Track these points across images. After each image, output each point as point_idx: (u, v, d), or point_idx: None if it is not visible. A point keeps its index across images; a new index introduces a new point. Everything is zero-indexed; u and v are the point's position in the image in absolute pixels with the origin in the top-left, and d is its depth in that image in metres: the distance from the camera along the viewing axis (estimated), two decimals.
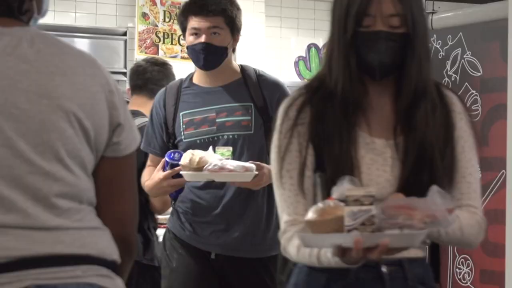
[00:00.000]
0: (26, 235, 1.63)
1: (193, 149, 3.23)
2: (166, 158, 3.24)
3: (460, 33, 3.92)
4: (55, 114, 1.66)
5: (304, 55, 8.54)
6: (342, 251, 1.89)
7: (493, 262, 3.67)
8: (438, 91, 2.17)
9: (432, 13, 4.45)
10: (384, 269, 2.09)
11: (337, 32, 2.10)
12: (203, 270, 3.34)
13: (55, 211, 1.66)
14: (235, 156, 3.25)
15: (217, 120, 3.31)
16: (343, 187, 1.92)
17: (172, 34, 7.05)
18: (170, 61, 4.50)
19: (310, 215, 1.92)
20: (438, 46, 4.11)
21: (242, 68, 3.42)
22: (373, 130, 2.12)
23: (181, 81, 3.44)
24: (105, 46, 7.36)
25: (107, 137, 1.75)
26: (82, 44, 6.96)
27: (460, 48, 3.92)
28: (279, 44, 8.19)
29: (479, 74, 3.82)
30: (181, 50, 7.03)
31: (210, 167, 3.10)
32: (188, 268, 3.35)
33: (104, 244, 1.73)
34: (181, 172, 3.17)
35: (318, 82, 2.15)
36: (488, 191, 3.67)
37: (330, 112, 2.10)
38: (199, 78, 3.40)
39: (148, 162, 3.45)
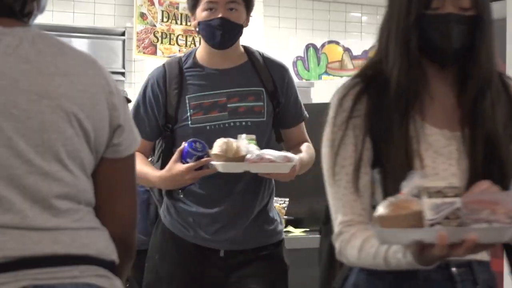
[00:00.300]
0: (24, 235, 1.62)
1: (201, 135, 3.02)
2: (189, 148, 2.96)
3: None
4: (55, 115, 1.66)
5: (302, 55, 8.55)
6: (421, 249, 1.73)
7: (492, 262, 3.66)
8: (501, 81, 2.04)
9: None
10: (454, 270, 1.95)
11: (397, 14, 1.95)
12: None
13: (54, 212, 1.66)
14: None
15: (229, 105, 3.09)
16: (414, 181, 1.75)
17: (170, 34, 7.04)
18: None
19: (382, 210, 1.74)
20: None
21: (247, 49, 3.21)
22: (435, 121, 1.97)
23: (180, 60, 3.18)
24: (103, 46, 7.36)
25: (107, 138, 1.75)
26: (80, 44, 6.96)
27: None
28: (277, 44, 8.20)
29: None
30: (179, 50, 7.02)
31: (253, 157, 2.89)
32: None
33: (102, 244, 1.72)
34: (213, 162, 2.92)
35: (372, 70, 2.00)
36: None
37: (388, 102, 1.94)
38: (205, 58, 3.15)
39: None
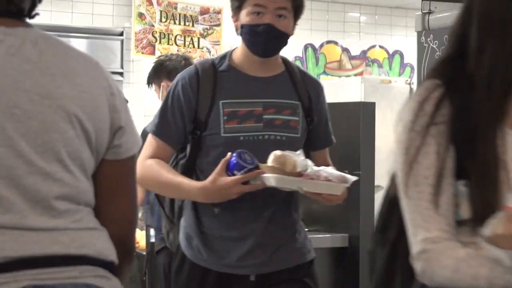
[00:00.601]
0: (23, 236, 1.62)
1: (233, 146, 2.77)
2: (238, 160, 2.72)
3: None
4: (56, 115, 1.66)
5: (300, 55, 8.55)
6: None
7: None
8: None
9: (429, 13, 4.45)
10: None
11: (499, 2, 1.76)
12: None
13: (53, 212, 1.66)
14: None
15: (264, 116, 2.85)
16: None
17: (168, 34, 7.05)
18: None
19: (498, 228, 1.61)
20: (434, 46, 4.10)
21: (284, 60, 3.00)
22: None
23: (214, 62, 2.92)
24: (102, 46, 7.37)
25: (107, 140, 1.75)
26: (78, 44, 6.97)
27: None
28: None
29: None
30: (178, 50, 7.02)
31: (312, 172, 2.69)
32: None
33: (102, 244, 1.73)
34: (266, 175, 2.68)
35: (451, 69, 1.82)
36: None
37: (475, 106, 1.75)
38: (242, 62, 2.92)
39: (150, 152, 2.88)
